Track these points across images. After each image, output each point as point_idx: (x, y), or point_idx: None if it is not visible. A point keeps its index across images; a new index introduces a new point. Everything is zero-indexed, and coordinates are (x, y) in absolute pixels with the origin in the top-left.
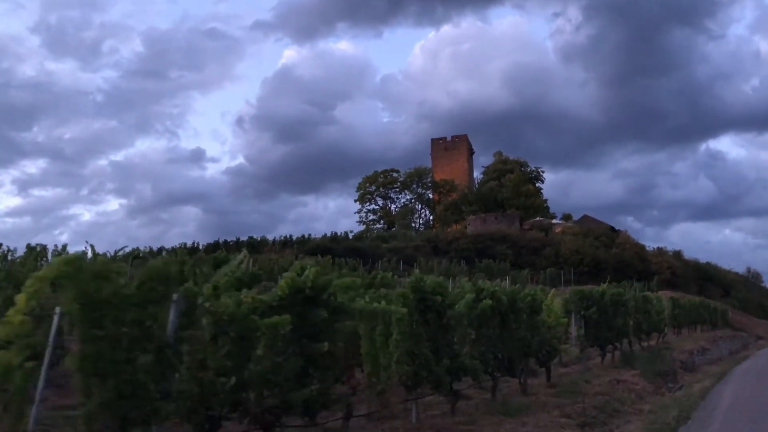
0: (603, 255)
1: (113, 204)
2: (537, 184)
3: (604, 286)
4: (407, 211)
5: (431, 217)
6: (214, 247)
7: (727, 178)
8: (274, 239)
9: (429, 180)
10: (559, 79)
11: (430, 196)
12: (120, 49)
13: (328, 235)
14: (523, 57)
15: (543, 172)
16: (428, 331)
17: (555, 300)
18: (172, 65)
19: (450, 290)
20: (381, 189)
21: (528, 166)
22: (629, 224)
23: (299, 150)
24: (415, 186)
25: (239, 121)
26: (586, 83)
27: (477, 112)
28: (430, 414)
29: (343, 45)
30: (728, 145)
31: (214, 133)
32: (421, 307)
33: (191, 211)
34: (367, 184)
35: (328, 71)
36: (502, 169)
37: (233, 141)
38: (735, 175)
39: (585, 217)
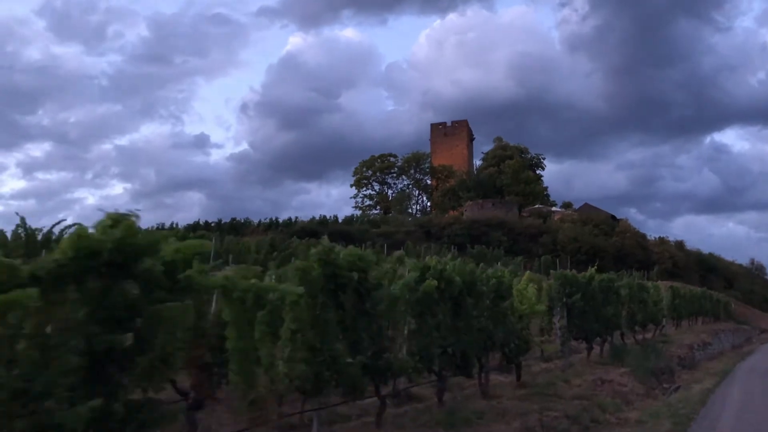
0: (602, 243)
1: (118, 188)
2: (537, 171)
3: (592, 270)
4: (403, 196)
5: (429, 204)
6: (194, 227)
7: (731, 171)
8: (259, 222)
9: (427, 166)
10: (564, 70)
11: (428, 182)
12: (125, 33)
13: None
14: (528, 47)
15: (543, 159)
16: (344, 318)
17: (530, 285)
18: (177, 50)
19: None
20: (378, 174)
21: (528, 153)
22: (632, 216)
23: (303, 137)
24: (412, 172)
25: (244, 108)
26: (592, 74)
27: (481, 101)
28: (346, 427)
29: (349, 32)
30: (733, 138)
31: (218, 119)
32: (330, 286)
33: (195, 197)
34: (364, 169)
35: (333, 59)
36: (501, 155)
37: (237, 127)
38: (739, 168)
39: (586, 205)
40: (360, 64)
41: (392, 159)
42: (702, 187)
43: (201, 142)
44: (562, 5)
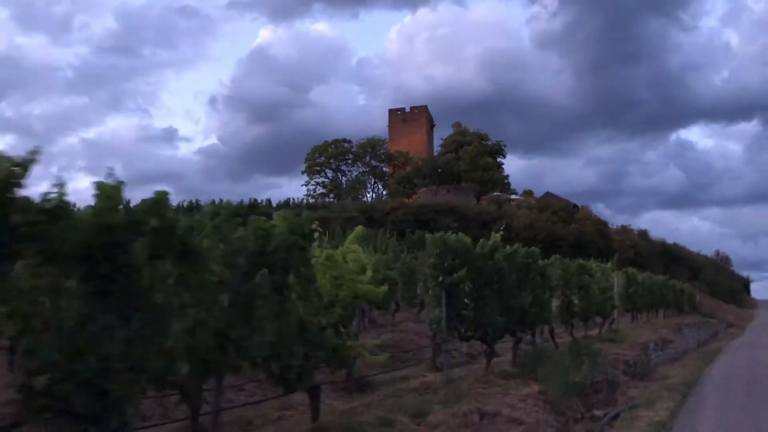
0: (560, 231)
1: (84, 182)
2: (498, 159)
3: (497, 237)
4: (356, 183)
5: (384, 191)
6: None
7: (696, 167)
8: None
9: (383, 152)
10: (534, 66)
11: (385, 169)
12: (92, 24)
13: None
14: (499, 43)
15: (504, 146)
16: None
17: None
18: (145, 42)
19: None
20: (332, 161)
21: (488, 140)
22: (600, 210)
23: (273, 131)
24: (368, 158)
25: (212, 101)
26: (562, 70)
27: (453, 96)
28: None
29: (320, 26)
30: (697, 135)
31: (187, 112)
32: None
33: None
34: (317, 155)
35: (304, 52)
36: (460, 141)
37: (206, 121)
38: (704, 164)
39: (548, 194)
40: (331, 59)
41: (346, 144)
42: (668, 183)
43: (169, 136)
44: (532, 2)
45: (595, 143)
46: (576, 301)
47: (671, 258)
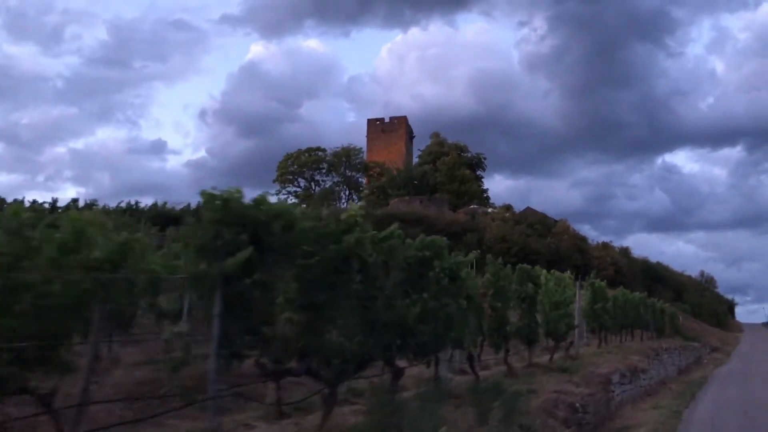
0: (535, 244)
1: (71, 192)
2: (478, 172)
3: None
4: (327, 193)
5: (359, 203)
6: None
7: (682, 191)
8: None
9: (359, 161)
10: (523, 88)
11: (362, 180)
12: (83, 35)
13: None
14: (488, 64)
15: (485, 158)
16: None
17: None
18: (136, 55)
19: None
20: (305, 170)
21: (468, 152)
22: (586, 232)
23: (263, 146)
24: (343, 168)
25: (202, 115)
26: (550, 93)
27: (442, 115)
28: None
29: (311, 43)
30: (683, 160)
31: (176, 125)
32: None
33: (150, 203)
34: (289, 163)
35: (295, 68)
36: (438, 152)
37: (196, 134)
38: (689, 188)
39: (528, 209)
40: (322, 75)
41: (320, 153)
42: (653, 206)
43: (158, 148)
44: (522, 24)
45: (582, 165)
46: (513, 319)
47: (654, 277)
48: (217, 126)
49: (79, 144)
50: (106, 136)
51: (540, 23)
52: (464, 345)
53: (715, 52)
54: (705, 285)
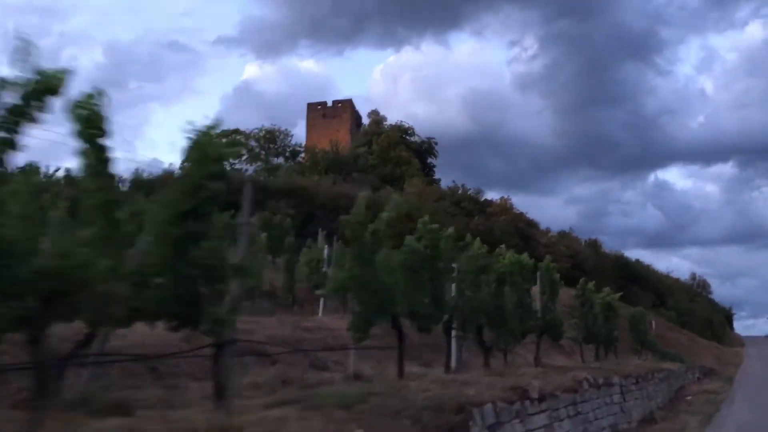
0: (458, 225)
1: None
2: (429, 160)
3: None
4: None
5: None
6: None
7: (675, 208)
8: None
9: (288, 146)
10: (515, 106)
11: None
12: (79, 57)
13: None
14: (481, 83)
15: (436, 143)
16: None
17: None
18: (132, 76)
19: None
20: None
21: (413, 134)
22: None
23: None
24: (266, 154)
25: None
26: (542, 111)
27: (435, 134)
28: None
29: (306, 63)
30: (675, 176)
31: (171, 145)
32: None
33: None
34: None
35: (290, 88)
36: (375, 131)
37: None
38: (682, 205)
39: (462, 186)
40: (316, 95)
41: (238, 137)
42: (647, 222)
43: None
44: (513, 44)
45: (576, 182)
46: None
47: (630, 277)
48: None
49: (74, 164)
50: None
51: (530, 42)
52: None
53: (704, 72)
54: (697, 289)
